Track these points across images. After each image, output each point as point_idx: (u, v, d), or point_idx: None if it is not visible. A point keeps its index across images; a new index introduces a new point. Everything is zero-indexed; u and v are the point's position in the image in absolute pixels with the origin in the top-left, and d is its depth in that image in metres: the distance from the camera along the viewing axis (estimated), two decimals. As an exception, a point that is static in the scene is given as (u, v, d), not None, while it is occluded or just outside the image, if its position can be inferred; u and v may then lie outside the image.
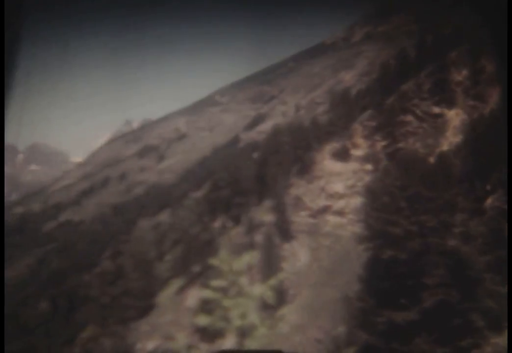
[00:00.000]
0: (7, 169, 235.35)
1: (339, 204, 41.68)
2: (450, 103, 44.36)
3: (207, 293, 35.66)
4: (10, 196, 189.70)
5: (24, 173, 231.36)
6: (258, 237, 41.23)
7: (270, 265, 38.10)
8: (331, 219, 40.80)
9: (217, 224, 46.02)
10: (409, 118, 44.88)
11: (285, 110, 68.11)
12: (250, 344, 31.36)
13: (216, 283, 35.08)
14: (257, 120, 65.96)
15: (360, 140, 45.69)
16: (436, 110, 44.61)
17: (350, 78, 65.10)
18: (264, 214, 43.62)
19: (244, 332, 32.22)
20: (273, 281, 35.64)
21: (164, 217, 52.87)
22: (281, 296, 35.03)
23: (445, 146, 40.57)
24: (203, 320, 34.67)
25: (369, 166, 43.56)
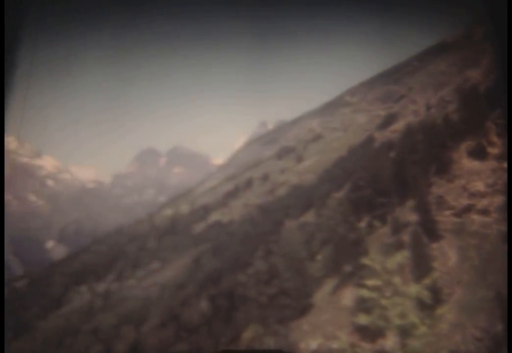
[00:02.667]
0: (152, 173, 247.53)
1: (483, 202, 41.84)
2: None
3: (363, 293, 37.40)
4: (158, 198, 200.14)
5: (169, 176, 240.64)
6: (406, 237, 42.33)
7: (421, 264, 39.08)
8: (476, 218, 41.20)
9: (363, 223, 47.53)
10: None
11: (416, 109, 68.27)
12: (411, 343, 32.74)
13: (371, 282, 36.62)
14: (389, 119, 66.72)
15: (495, 138, 45.61)
16: None
17: (476, 75, 64.44)
18: (408, 214, 44.70)
19: (404, 331, 33.50)
20: (427, 281, 36.68)
21: (309, 217, 55.00)
22: (436, 296, 35.91)
23: None
24: (363, 319, 36.36)
25: (507, 164, 43.47)
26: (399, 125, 62.65)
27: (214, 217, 74.20)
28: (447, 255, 39.67)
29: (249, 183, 75.88)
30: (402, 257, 39.04)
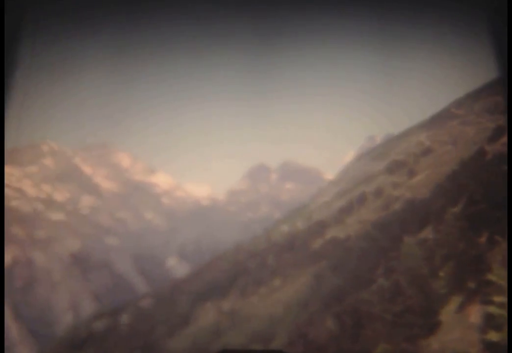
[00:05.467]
0: (265, 189, 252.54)
1: None
2: None
3: (491, 309, 37.93)
4: (273, 214, 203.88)
5: (281, 192, 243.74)
6: (529, 251, 42.34)
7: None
8: None
9: (483, 238, 47.71)
10: None
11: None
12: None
13: (498, 299, 37.17)
14: (498, 132, 66.08)
15: None
16: None
17: None
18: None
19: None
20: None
21: (427, 232, 55.41)
22: None
23: None
24: (494, 337, 36.84)
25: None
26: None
27: (330, 233, 75.47)
28: None
29: (362, 198, 76.97)
30: (528, 273, 39.20)
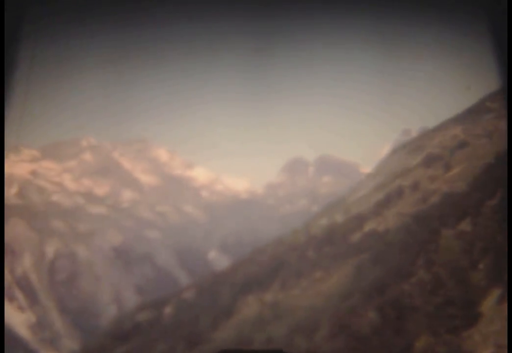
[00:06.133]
0: (302, 182, 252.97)
1: None
2: None
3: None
4: (311, 208, 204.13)
5: (318, 185, 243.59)
6: None
7: None
8: None
9: (521, 232, 48.34)
10: None
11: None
12: None
13: None
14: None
15: None
16: None
17: None
18: None
19: None
20: None
21: (465, 225, 56.14)
22: None
23: None
24: None
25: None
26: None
27: (369, 226, 76.55)
28: None
29: (399, 192, 77.87)
30: None
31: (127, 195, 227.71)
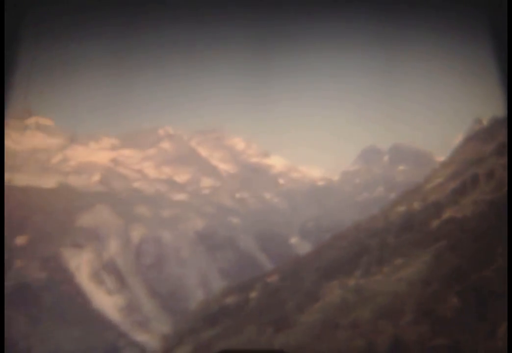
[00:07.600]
0: (378, 170, 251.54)
1: None
2: None
3: None
4: (388, 195, 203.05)
5: (394, 173, 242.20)
6: None
7: None
8: None
9: None
10: None
11: None
12: None
13: None
14: None
15: None
16: None
17: None
18: None
19: None
20: None
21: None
22: None
23: None
24: None
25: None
26: None
27: (447, 213, 77.93)
28: None
29: (475, 180, 78.84)
30: None
31: (207, 182, 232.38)
